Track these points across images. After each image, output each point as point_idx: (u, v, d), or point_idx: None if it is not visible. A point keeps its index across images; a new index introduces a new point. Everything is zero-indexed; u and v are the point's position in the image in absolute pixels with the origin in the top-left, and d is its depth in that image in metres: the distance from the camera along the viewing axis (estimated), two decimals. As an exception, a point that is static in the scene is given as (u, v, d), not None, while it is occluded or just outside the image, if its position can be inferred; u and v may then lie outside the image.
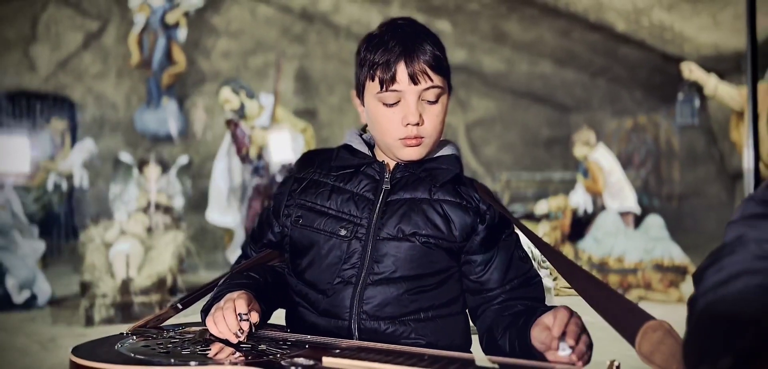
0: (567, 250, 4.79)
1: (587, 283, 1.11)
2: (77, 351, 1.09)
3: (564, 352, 0.99)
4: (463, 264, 1.26)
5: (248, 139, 4.75)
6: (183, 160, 6.00)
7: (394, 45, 1.21)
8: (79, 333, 3.86)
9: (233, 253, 5.12)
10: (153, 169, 5.50)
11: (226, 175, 4.97)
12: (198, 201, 6.48)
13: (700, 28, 6.34)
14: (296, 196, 1.30)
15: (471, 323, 1.33)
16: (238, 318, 1.12)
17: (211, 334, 1.15)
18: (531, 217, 5.31)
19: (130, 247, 4.28)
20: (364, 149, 1.32)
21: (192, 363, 0.99)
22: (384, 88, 1.20)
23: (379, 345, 1.11)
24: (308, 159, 1.38)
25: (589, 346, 1.04)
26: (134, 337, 1.19)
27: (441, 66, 1.22)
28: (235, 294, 1.17)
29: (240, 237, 5.08)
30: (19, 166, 5.89)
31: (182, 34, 7.97)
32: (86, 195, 7.11)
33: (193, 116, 8.25)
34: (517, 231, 1.32)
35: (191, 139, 8.19)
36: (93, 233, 4.42)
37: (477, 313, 1.27)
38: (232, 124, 4.81)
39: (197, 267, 5.15)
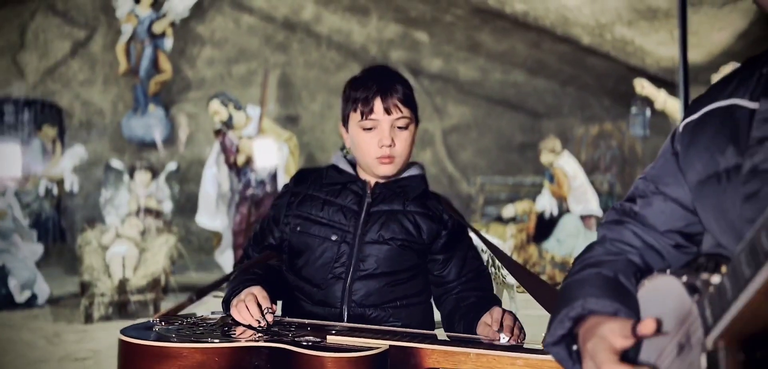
0: (532, 250, 5.18)
1: (529, 279, 1.52)
2: (124, 333, 1.35)
3: (504, 340, 1.36)
4: (428, 262, 1.61)
5: (236, 149, 5.07)
6: (172, 166, 6.27)
7: (372, 84, 1.56)
8: (80, 329, 4.16)
9: (222, 255, 5.43)
10: (143, 175, 5.78)
11: (214, 181, 5.27)
12: (184, 205, 6.73)
13: (658, 42, 6.77)
14: (294, 208, 1.62)
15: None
16: (261, 310, 1.40)
17: (233, 321, 1.43)
18: (500, 219, 5.69)
19: (126, 249, 4.58)
20: (349, 169, 1.65)
21: (215, 341, 1.28)
22: (364, 118, 1.55)
23: (364, 326, 1.46)
24: (303, 176, 1.71)
25: (521, 329, 1.42)
26: (163, 323, 1.46)
27: (409, 101, 1.58)
28: (254, 288, 1.45)
29: (228, 240, 5.39)
30: (10, 172, 6.11)
31: (168, 43, 8.20)
32: (75, 199, 7.34)
33: (179, 123, 8.47)
34: (473, 235, 1.69)
35: (177, 145, 8.42)
36: (90, 236, 4.71)
37: (440, 301, 1.63)
38: (220, 135, 5.12)
39: (187, 268, 5.44)
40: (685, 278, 0.78)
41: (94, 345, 3.76)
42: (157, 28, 8.02)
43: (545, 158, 5.85)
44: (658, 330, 0.79)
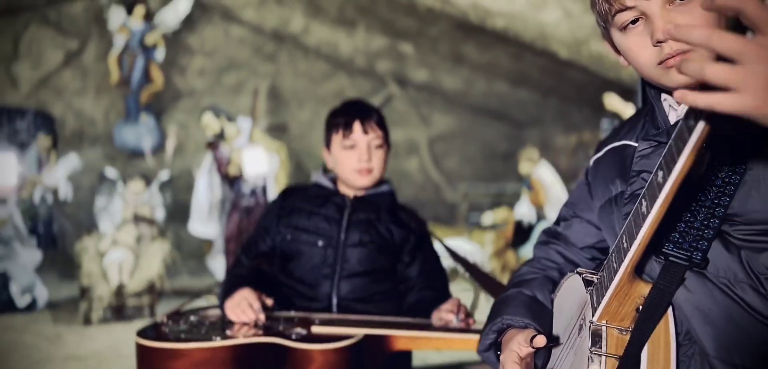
0: (510, 256, 5.45)
1: (484, 278, 1.79)
2: (141, 335, 1.57)
3: (456, 323, 1.67)
4: (396, 262, 1.89)
5: (228, 160, 5.30)
6: (164, 175, 6.48)
7: (352, 111, 1.86)
8: (80, 331, 4.38)
9: (213, 260, 5.66)
10: (137, 184, 5.98)
11: (207, 191, 5.50)
12: (175, 213, 6.91)
13: (633, 56, 7.05)
14: (284, 219, 1.89)
15: None
16: (254, 308, 1.66)
17: (229, 319, 1.68)
18: (480, 226, 5.95)
19: (123, 255, 4.79)
20: (330, 185, 1.93)
21: (216, 339, 1.52)
22: (345, 138, 1.83)
23: (341, 316, 1.73)
24: (289, 191, 1.99)
25: (468, 315, 1.70)
26: (170, 322, 1.69)
27: (382, 126, 1.87)
28: (244, 291, 1.70)
29: (219, 246, 5.62)
30: (7, 181, 6.27)
31: (160, 54, 8.39)
32: (69, 207, 7.50)
33: (168, 132, 8.61)
34: (442, 244, 1.99)
35: (167, 154, 8.57)
36: (88, 243, 4.92)
37: (403, 293, 1.91)
38: (213, 146, 5.36)
39: (180, 273, 5.65)
40: (584, 275, 1.03)
41: (95, 346, 3.98)
42: (149, 39, 8.20)
43: (524, 168, 6.12)
44: (550, 341, 1.06)
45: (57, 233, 7.55)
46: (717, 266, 0.91)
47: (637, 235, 0.84)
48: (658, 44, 0.91)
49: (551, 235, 1.26)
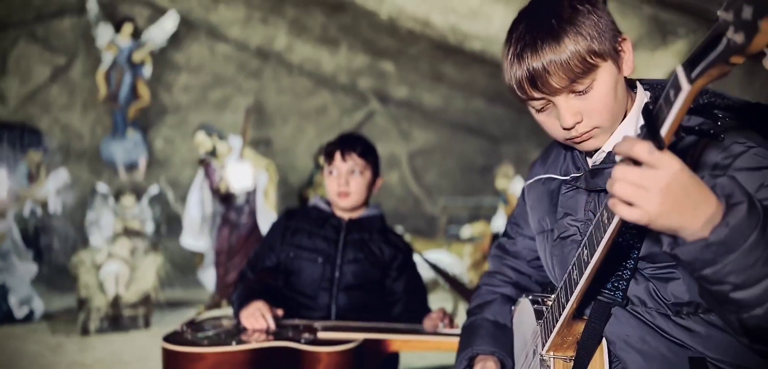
0: (487, 267, 5.76)
1: (463, 289, 2.10)
2: (168, 340, 1.77)
3: (442, 328, 1.96)
4: (385, 277, 2.17)
5: (219, 177, 5.54)
6: (154, 190, 6.68)
7: (337, 142, 2.17)
8: (79, 341, 4.58)
9: (204, 273, 5.88)
10: (128, 198, 6.18)
11: (198, 205, 5.73)
12: (163, 226, 7.06)
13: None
14: (288, 238, 2.17)
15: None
16: (266, 318, 1.90)
17: (243, 327, 1.92)
18: (458, 238, 6.26)
19: (118, 268, 5.00)
20: (327, 208, 2.22)
21: (234, 344, 1.75)
22: (329, 165, 2.14)
23: (342, 323, 2.00)
24: (291, 213, 2.28)
25: (452, 321, 1.99)
26: (190, 329, 1.91)
27: (366, 156, 2.14)
28: (258, 302, 1.94)
29: (210, 259, 5.84)
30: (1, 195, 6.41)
31: (147, 71, 8.56)
32: (58, 220, 7.62)
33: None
34: (421, 257, 2.28)
35: (155, 168, 8.74)
36: (83, 256, 5.12)
37: (390, 305, 2.20)
38: (205, 164, 5.60)
39: (172, 284, 5.85)
40: (535, 306, 1.22)
41: (96, 354, 4.19)
42: (137, 57, 8.37)
43: (500, 183, 6.45)
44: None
45: (45, 246, 7.68)
46: (631, 298, 1.06)
47: (570, 296, 1.03)
48: (566, 129, 1.06)
49: (502, 250, 1.45)
